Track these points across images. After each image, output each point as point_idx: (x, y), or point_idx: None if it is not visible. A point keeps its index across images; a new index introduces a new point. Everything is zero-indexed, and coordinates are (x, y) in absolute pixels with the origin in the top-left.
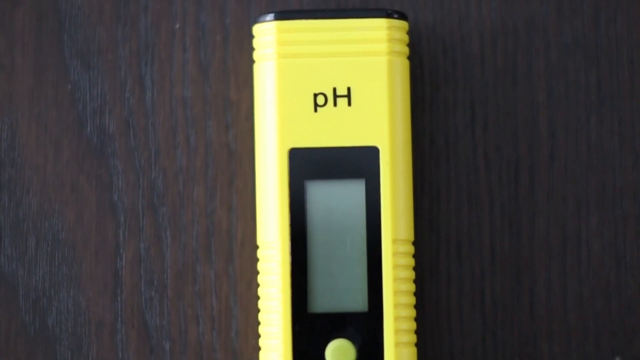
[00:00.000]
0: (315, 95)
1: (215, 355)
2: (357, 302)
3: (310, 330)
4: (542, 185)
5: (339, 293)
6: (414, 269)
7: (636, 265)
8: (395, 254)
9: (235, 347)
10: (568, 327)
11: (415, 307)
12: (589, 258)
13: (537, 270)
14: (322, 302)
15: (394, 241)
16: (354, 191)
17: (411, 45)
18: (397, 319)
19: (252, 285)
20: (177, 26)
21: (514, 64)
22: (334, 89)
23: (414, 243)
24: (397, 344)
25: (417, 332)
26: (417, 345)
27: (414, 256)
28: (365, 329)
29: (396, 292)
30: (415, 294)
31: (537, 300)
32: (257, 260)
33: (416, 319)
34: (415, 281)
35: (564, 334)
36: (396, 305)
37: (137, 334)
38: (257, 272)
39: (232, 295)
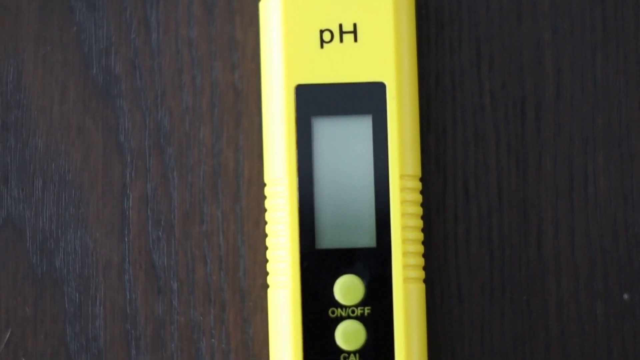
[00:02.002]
0: (322, 32)
1: (223, 295)
2: (365, 237)
3: (318, 266)
4: (548, 123)
5: (347, 229)
6: (422, 206)
7: None
8: (402, 189)
9: (243, 286)
10: (576, 265)
11: (423, 244)
12: (596, 195)
13: (544, 208)
14: (330, 238)
15: (402, 176)
16: (361, 127)
17: None
18: (405, 254)
19: (259, 224)
20: None
21: (519, 2)
22: (340, 26)
23: (421, 181)
24: (406, 280)
25: (425, 270)
26: (425, 282)
27: (421, 194)
28: (374, 265)
29: (404, 228)
30: (423, 230)
31: (545, 238)
32: (264, 198)
33: (424, 257)
34: (422, 218)
35: (571, 271)
36: (404, 241)
37: (145, 274)
38: (265, 211)
39: (240, 235)
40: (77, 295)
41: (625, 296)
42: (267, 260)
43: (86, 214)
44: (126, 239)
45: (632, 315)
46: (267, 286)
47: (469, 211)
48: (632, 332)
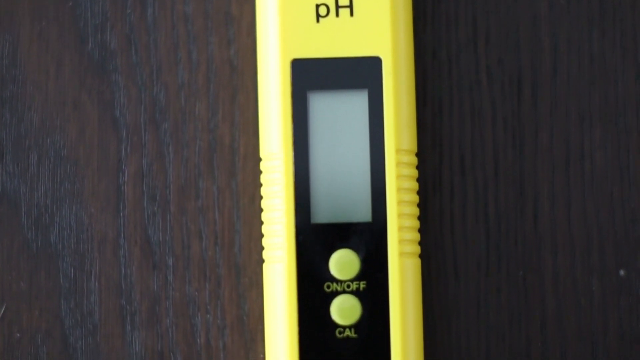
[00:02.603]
0: (317, 6)
1: (218, 271)
2: (361, 212)
3: (313, 241)
4: (544, 99)
5: (343, 203)
6: (418, 181)
7: None
8: (398, 164)
9: (238, 262)
10: (572, 240)
11: (419, 219)
12: (592, 171)
13: (540, 183)
14: (326, 212)
15: (398, 151)
16: (356, 101)
17: None
18: (401, 229)
19: (254, 200)
20: None
21: None
22: (336, 0)
23: (417, 156)
24: (402, 254)
25: (420, 245)
26: (420, 257)
27: (417, 169)
28: (369, 239)
29: (400, 202)
30: (419, 205)
31: (541, 213)
32: (259, 174)
33: (420, 232)
34: (418, 193)
35: (567, 246)
36: (400, 215)
37: (140, 249)
38: (260, 185)
39: (235, 210)
40: (72, 270)
41: (622, 272)
42: (262, 236)
43: (81, 189)
44: (121, 214)
45: (628, 291)
46: (263, 261)
47: (465, 186)
48: (628, 308)
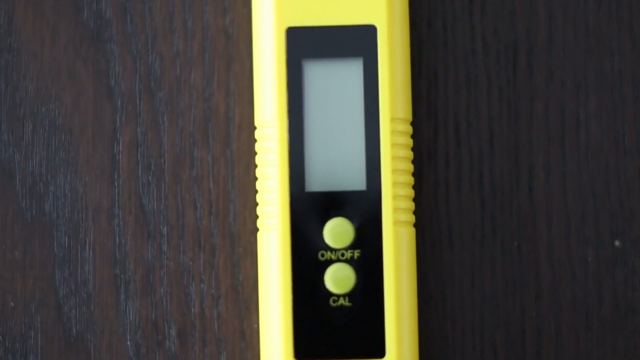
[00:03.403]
0: None
1: (213, 240)
2: (356, 180)
3: (308, 209)
4: (540, 69)
5: (337, 172)
6: (413, 150)
7: (635, 148)
8: (393, 132)
9: (233, 231)
10: (567, 210)
11: (414, 188)
12: (588, 141)
13: (535, 154)
14: (320, 180)
15: (392, 119)
16: (351, 70)
17: None
18: (395, 197)
19: (249, 169)
20: None
21: None
22: None
23: (412, 126)
24: (396, 223)
25: (415, 215)
26: (415, 226)
27: (412, 138)
28: (364, 208)
29: (394, 171)
30: (414, 175)
31: (536, 183)
32: (254, 142)
33: (415, 201)
34: (413, 163)
35: (563, 217)
36: (395, 184)
37: (135, 219)
38: (255, 154)
39: (230, 180)
40: (67, 239)
41: (617, 243)
42: (257, 204)
43: (76, 158)
44: (116, 184)
45: (623, 262)
46: (257, 230)
47: (460, 156)
48: (623, 279)
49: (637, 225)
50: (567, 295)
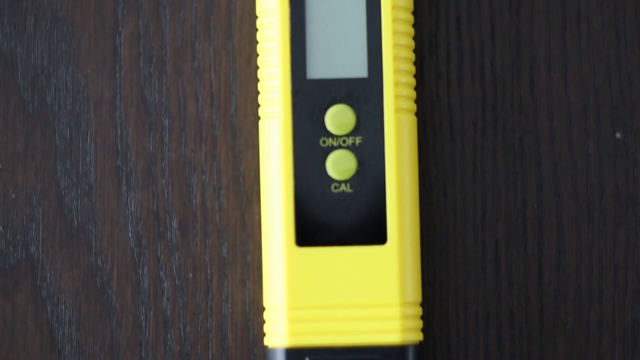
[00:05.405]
0: None
1: (214, 132)
2: (357, 67)
3: (309, 95)
4: None
5: (339, 59)
6: (414, 40)
7: (636, 41)
8: (395, 20)
9: (234, 122)
10: (568, 102)
11: (415, 77)
12: (589, 33)
13: (536, 46)
14: (322, 67)
15: (394, 7)
16: None
17: None
18: (397, 84)
19: (251, 61)
20: None
21: None
22: None
23: (413, 16)
24: (397, 110)
25: (416, 104)
26: (417, 116)
27: (414, 28)
28: (365, 94)
29: (396, 58)
30: (415, 65)
31: (537, 75)
32: (256, 32)
33: (416, 91)
34: (414, 52)
35: (564, 109)
36: (396, 71)
37: (136, 110)
38: (257, 43)
39: (231, 72)
40: (68, 131)
41: (618, 135)
42: (258, 94)
43: (78, 51)
44: (117, 76)
45: (624, 154)
46: (259, 119)
47: (461, 48)
48: (624, 170)
49: (638, 117)
50: (569, 186)
